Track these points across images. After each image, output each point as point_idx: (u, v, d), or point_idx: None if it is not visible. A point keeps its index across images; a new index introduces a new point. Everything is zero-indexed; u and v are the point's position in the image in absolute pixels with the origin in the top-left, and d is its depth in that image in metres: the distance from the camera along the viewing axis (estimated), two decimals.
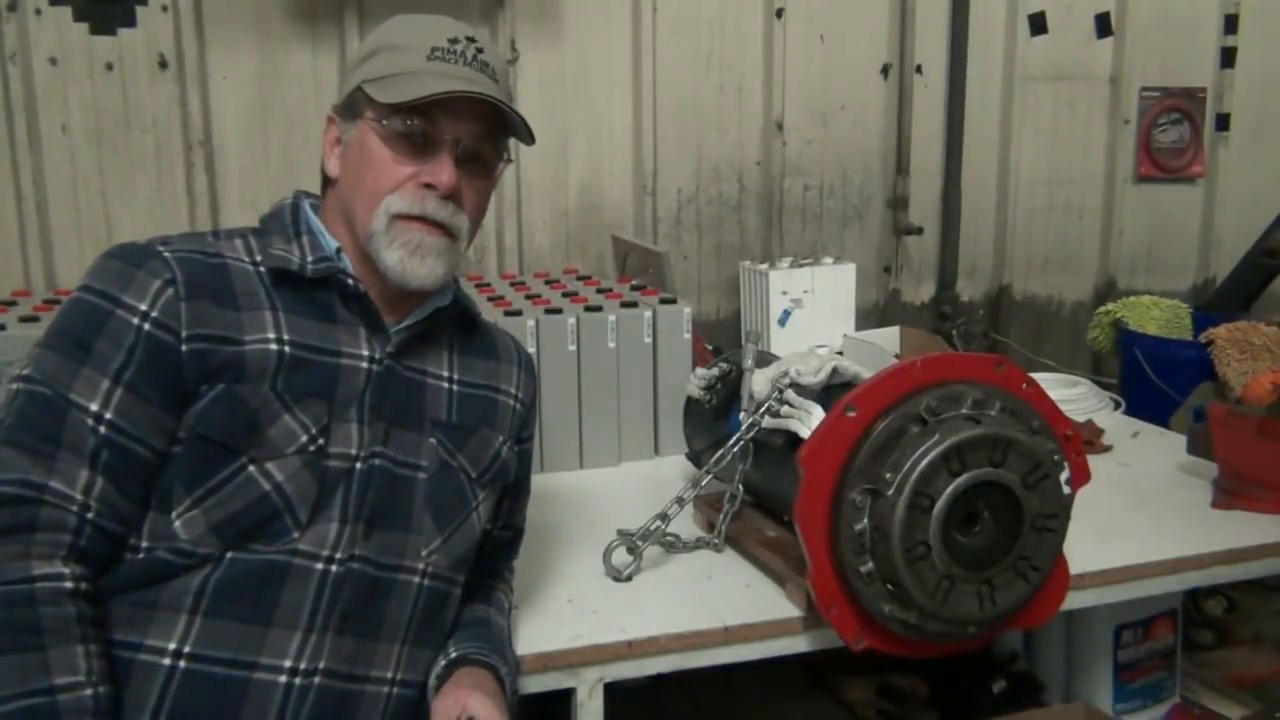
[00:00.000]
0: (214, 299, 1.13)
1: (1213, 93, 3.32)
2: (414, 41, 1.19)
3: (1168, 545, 1.70)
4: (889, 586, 1.37)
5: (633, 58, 2.77)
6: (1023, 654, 2.03)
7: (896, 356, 2.49)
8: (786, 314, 2.73)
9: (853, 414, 1.38)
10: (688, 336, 2.15)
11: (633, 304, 2.12)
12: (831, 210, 3.02)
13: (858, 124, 2.99)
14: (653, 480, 2.00)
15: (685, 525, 1.72)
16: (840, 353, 2.50)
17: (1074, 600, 1.58)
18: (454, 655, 1.23)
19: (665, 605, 1.48)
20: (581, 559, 1.62)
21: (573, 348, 2.05)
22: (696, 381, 1.88)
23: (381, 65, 1.19)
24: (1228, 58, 3.29)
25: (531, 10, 2.65)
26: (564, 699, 1.40)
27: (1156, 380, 2.75)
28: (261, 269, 1.19)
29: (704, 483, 1.64)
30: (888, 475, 1.34)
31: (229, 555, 1.10)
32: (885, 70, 2.99)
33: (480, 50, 1.21)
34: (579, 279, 2.46)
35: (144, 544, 1.09)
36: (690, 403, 1.92)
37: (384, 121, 1.18)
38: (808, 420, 1.54)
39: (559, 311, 2.06)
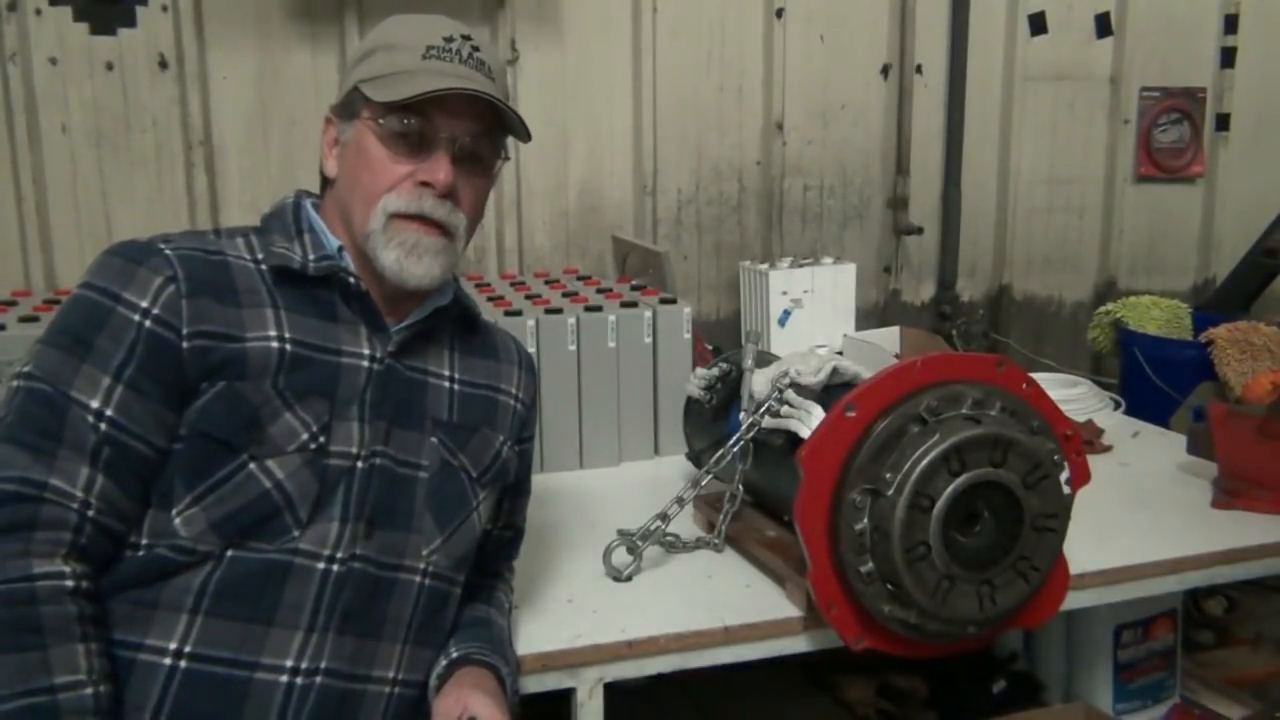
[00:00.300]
0: (215, 296, 1.13)
1: (1213, 93, 3.32)
2: (410, 41, 1.19)
3: (1168, 545, 1.70)
4: (889, 586, 1.37)
5: (633, 58, 2.77)
6: (1023, 654, 2.03)
7: (896, 356, 2.49)
8: (786, 314, 2.73)
9: (853, 414, 1.38)
10: (688, 336, 2.15)
11: (633, 304, 2.12)
12: (831, 210, 3.02)
13: (858, 124, 2.99)
14: (653, 480, 2.00)
15: (685, 525, 1.72)
16: (840, 353, 2.50)
17: (1074, 600, 1.58)
18: (455, 655, 1.23)
19: (665, 605, 1.48)
20: (581, 559, 1.62)
21: (573, 348, 2.05)
22: (696, 381, 1.88)
23: (378, 65, 1.19)
24: (1228, 58, 3.30)
25: (531, 10, 2.65)
26: (564, 699, 1.40)
27: (1156, 380, 2.75)
28: (263, 267, 1.19)
29: (704, 483, 1.64)
30: (888, 475, 1.34)
31: (229, 554, 1.10)
32: (885, 70, 2.99)
33: (476, 49, 1.21)
34: (579, 279, 2.46)
35: (144, 541, 1.09)
36: (690, 403, 1.92)
37: (380, 120, 1.18)
38: (808, 420, 1.54)
39: (559, 311, 2.06)
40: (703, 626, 1.42)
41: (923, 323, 3.10)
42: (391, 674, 1.18)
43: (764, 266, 2.76)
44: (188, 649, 1.07)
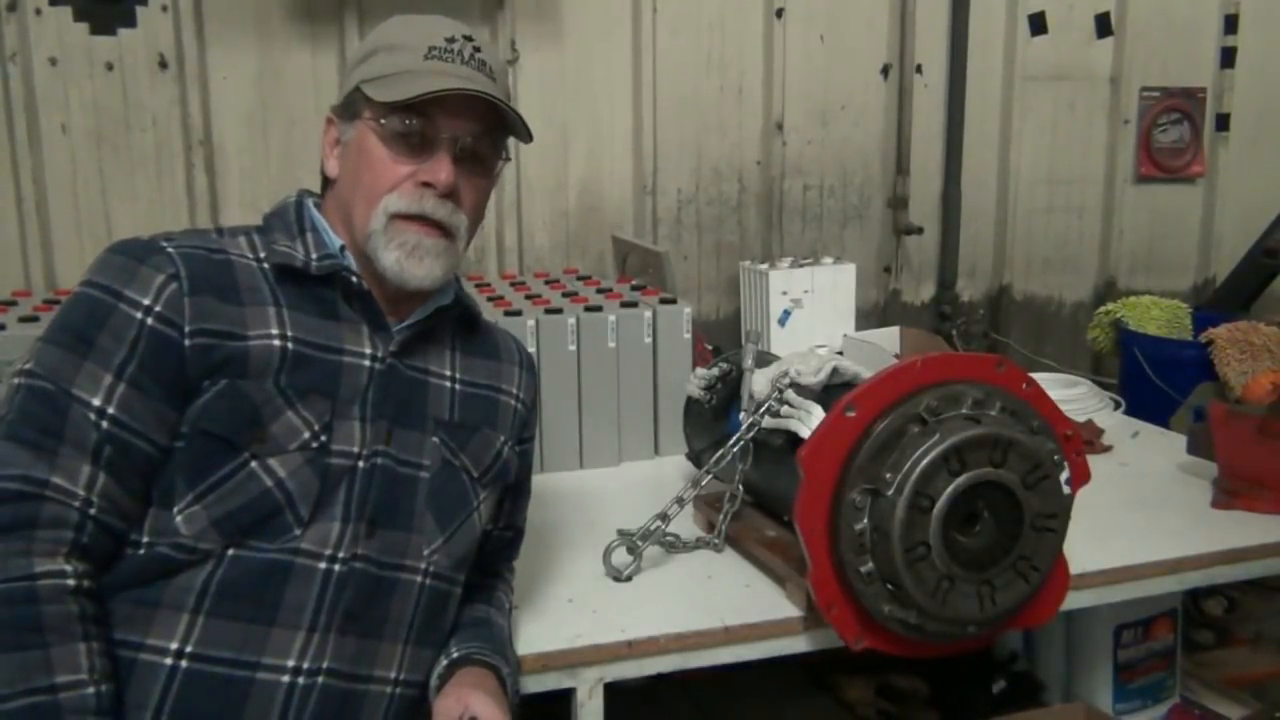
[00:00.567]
0: (217, 294, 1.13)
1: (1213, 93, 3.32)
2: (411, 41, 1.19)
3: (1167, 545, 1.70)
4: (889, 586, 1.37)
5: (633, 58, 2.77)
6: (1023, 654, 2.03)
7: (896, 356, 2.49)
8: (786, 314, 2.73)
9: (853, 414, 1.38)
10: (688, 336, 2.15)
11: (633, 304, 2.12)
12: (831, 210, 3.02)
13: (858, 124, 2.99)
14: (653, 480, 2.01)
15: (685, 525, 1.72)
16: (840, 353, 2.50)
17: (1074, 600, 1.58)
18: (456, 655, 1.24)
19: (665, 605, 1.48)
20: (581, 559, 1.62)
21: (573, 348, 2.05)
22: (696, 381, 1.88)
23: (379, 65, 1.19)
24: (1228, 58, 3.30)
25: (531, 10, 2.66)
26: (564, 699, 1.40)
27: (1156, 380, 2.75)
28: (265, 265, 1.19)
29: (704, 483, 1.64)
30: (888, 475, 1.34)
31: (230, 553, 1.10)
32: (885, 70, 2.99)
33: (478, 49, 1.21)
34: (579, 279, 2.46)
35: (145, 539, 1.09)
36: (690, 403, 1.92)
37: (382, 121, 1.18)
38: (808, 420, 1.54)
39: (559, 311, 2.06)
40: (703, 626, 1.42)
41: (923, 323, 3.10)
42: (393, 674, 1.18)
43: (764, 266, 2.76)
44: (189, 649, 1.07)
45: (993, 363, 1.46)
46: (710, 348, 2.46)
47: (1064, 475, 1.41)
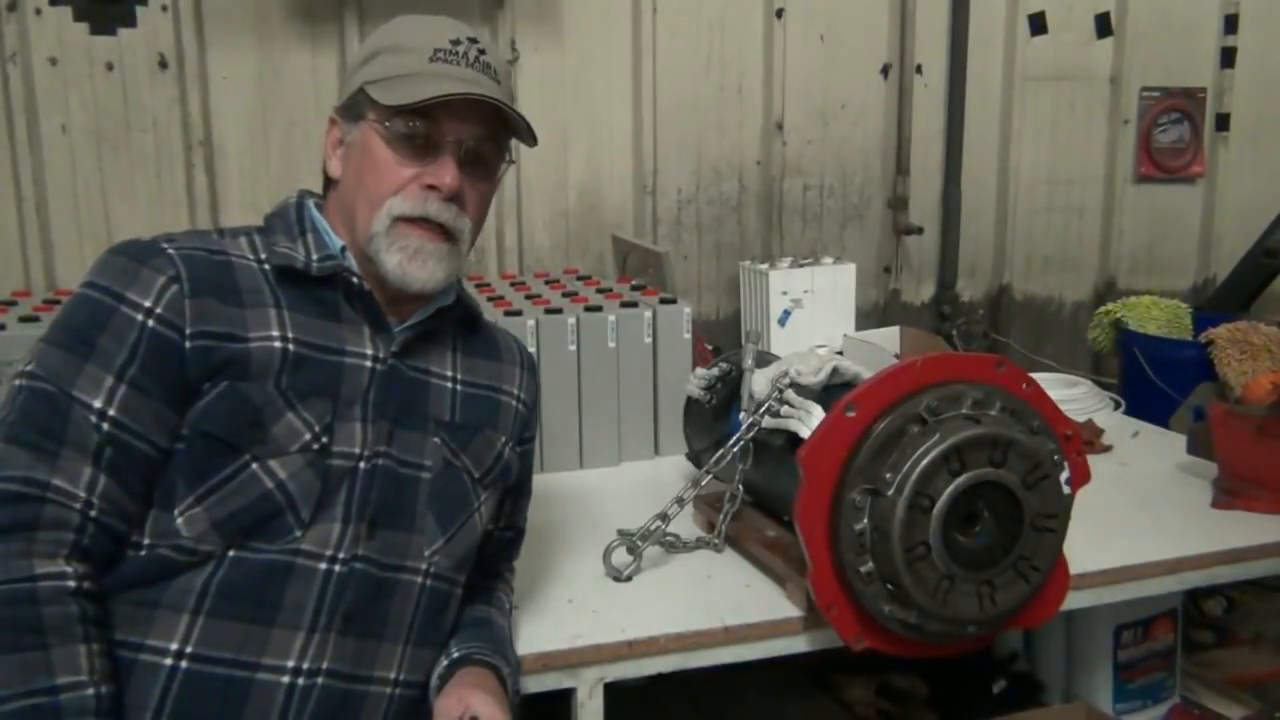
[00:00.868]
0: (218, 296, 1.13)
1: (1213, 93, 3.32)
2: (416, 43, 1.19)
3: (1167, 545, 1.70)
4: (889, 586, 1.37)
5: (633, 58, 2.77)
6: (1023, 654, 2.03)
7: (896, 356, 2.49)
8: (786, 314, 2.73)
9: (853, 414, 1.38)
10: (688, 336, 2.15)
11: (633, 304, 2.12)
12: (831, 210, 3.02)
13: (858, 124, 2.99)
14: (653, 480, 2.01)
15: (685, 525, 1.72)
16: (840, 353, 2.50)
17: (1074, 600, 1.58)
18: (456, 655, 1.24)
19: (665, 605, 1.48)
20: (581, 559, 1.62)
21: (573, 348, 2.05)
22: (696, 381, 1.88)
23: (384, 67, 1.19)
24: (1228, 58, 3.30)
25: (531, 10, 2.66)
26: (564, 699, 1.40)
27: (1156, 380, 2.75)
28: (266, 267, 1.19)
29: (704, 483, 1.64)
30: (888, 475, 1.34)
31: (231, 554, 1.10)
32: (885, 70, 2.99)
33: (482, 51, 1.21)
34: (579, 279, 2.46)
35: (146, 541, 1.09)
36: (690, 403, 1.92)
37: (386, 123, 1.18)
38: (808, 420, 1.54)
39: (559, 311, 2.06)
40: (703, 626, 1.42)
41: (923, 323, 3.10)
42: (393, 674, 1.18)
43: (764, 266, 2.76)
44: (189, 649, 1.07)
45: (993, 363, 1.46)
46: (710, 348, 2.46)
47: (1064, 475, 1.41)
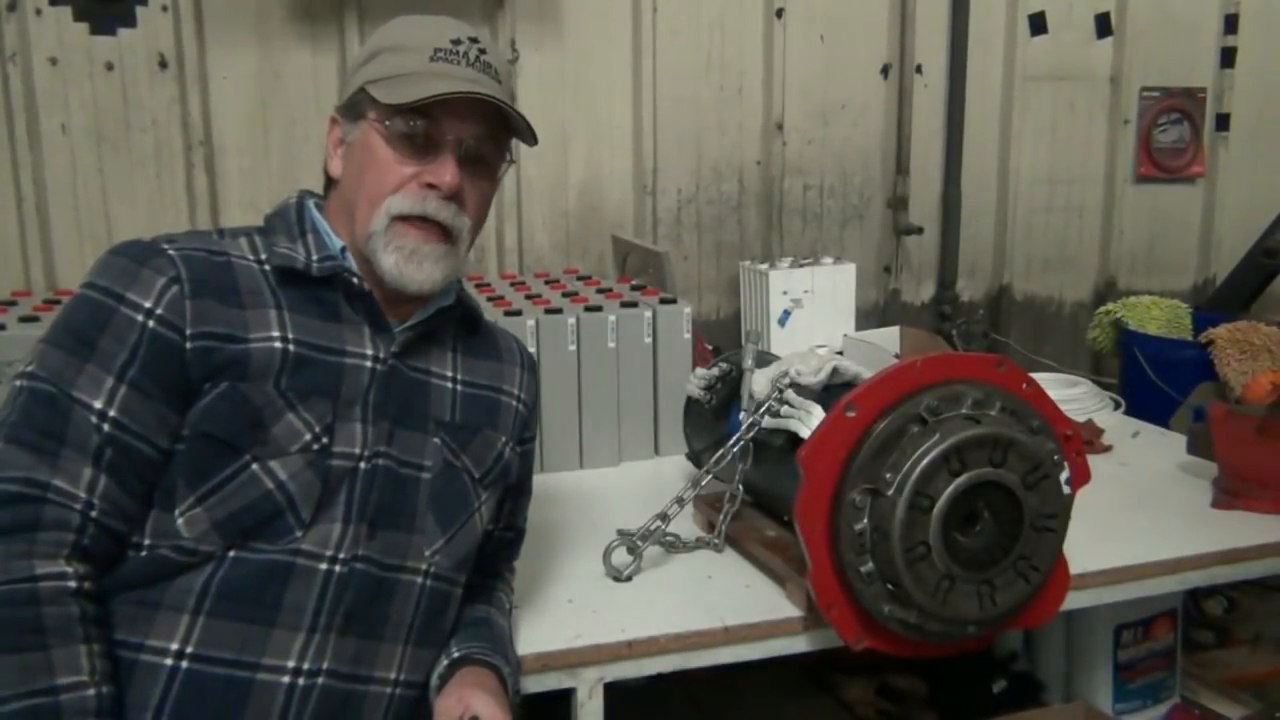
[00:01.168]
0: (218, 297, 1.13)
1: (1213, 93, 3.32)
2: (417, 42, 1.19)
3: (1168, 545, 1.70)
4: (889, 586, 1.37)
5: (633, 58, 2.77)
6: (1023, 654, 2.03)
7: (896, 356, 2.49)
8: (786, 314, 2.73)
9: (853, 414, 1.38)
10: (688, 336, 2.15)
11: (633, 304, 2.12)
12: (831, 210, 3.02)
13: (858, 124, 2.99)
14: (653, 480, 2.01)
15: (685, 525, 1.72)
16: (840, 353, 2.50)
17: (1074, 600, 1.58)
18: (456, 655, 1.24)
19: (665, 605, 1.48)
20: (581, 559, 1.62)
21: (573, 348, 2.05)
22: (696, 381, 1.88)
23: (384, 66, 1.19)
24: (1228, 58, 3.30)
25: (531, 10, 2.66)
26: (564, 699, 1.40)
27: (1156, 380, 2.75)
28: (266, 267, 1.19)
29: (704, 483, 1.64)
30: (888, 475, 1.34)
31: (231, 554, 1.10)
32: (885, 70, 2.99)
33: (483, 51, 1.21)
34: (579, 279, 2.46)
35: (146, 542, 1.09)
36: (690, 403, 1.92)
37: (387, 122, 1.18)
38: (808, 420, 1.54)
39: (559, 311, 2.06)
40: (703, 626, 1.42)
41: (923, 323, 3.10)
42: (393, 675, 1.18)
43: (764, 266, 2.76)
44: (189, 650, 1.07)
45: (993, 363, 1.46)
46: (710, 348, 2.46)
47: (1064, 475, 1.41)
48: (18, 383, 1.08)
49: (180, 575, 1.09)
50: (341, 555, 1.14)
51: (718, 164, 2.89)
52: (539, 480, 1.57)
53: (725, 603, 1.49)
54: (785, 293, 2.73)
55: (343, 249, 1.23)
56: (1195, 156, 3.33)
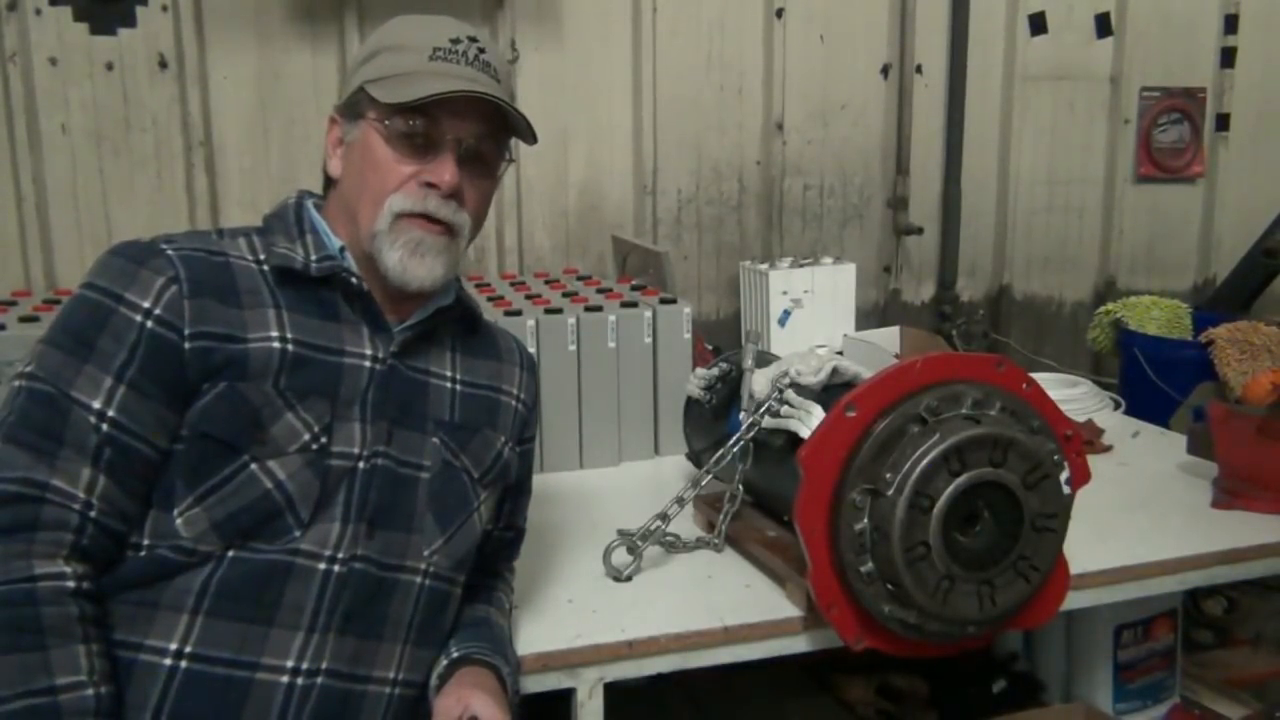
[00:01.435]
0: (217, 297, 1.13)
1: (1213, 93, 3.32)
2: (416, 42, 1.19)
3: (1168, 545, 1.70)
4: (889, 586, 1.37)
5: (633, 58, 2.77)
6: (1023, 654, 2.03)
7: (896, 356, 2.49)
8: (786, 314, 2.73)
9: (853, 414, 1.38)
10: (688, 336, 2.15)
11: (633, 304, 2.12)
12: (831, 210, 3.02)
13: (858, 124, 2.99)
14: (653, 480, 2.01)
15: (685, 525, 1.72)
16: (840, 353, 2.50)
17: (1074, 600, 1.58)
18: (455, 655, 1.24)
19: (665, 605, 1.48)
20: (581, 559, 1.62)
21: (573, 348, 2.05)
22: (696, 381, 1.88)
23: (384, 65, 1.19)
24: (1228, 58, 3.30)
25: (531, 10, 2.66)
26: (564, 699, 1.40)
27: (1156, 380, 2.75)
28: (265, 267, 1.19)
29: (704, 483, 1.64)
30: (888, 475, 1.34)
31: (230, 554, 1.10)
32: (885, 70, 2.99)
33: (482, 50, 1.21)
34: (579, 279, 2.46)
35: (145, 542, 1.09)
36: (690, 403, 1.92)
37: (386, 122, 1.18)
38: (808, 420, 1.54)
39: (559, 311, 2.06)
40: (703, 626, 1.42)
41: (923, 323, 3.10)
42: (392, 674, 1.18)
43: (764, 266, 2.76)
44: (188, 649, 1.07)
45: (993, 363, 1.46)
46: (710, 348, 2.46)
47: (1064, 475, 1.41)
48: (16, 383, 1.08)
49: (179, 575, 1.09)
50: (340, 555, 1.13)
51: (718, 164, 2.89)
52: (539, 480, 1.57)
53: (725, 603, 1.49)
54: (785, 293, 2.73)
55: (341, 249, 1.23)
56: (1195, 156, 3.33)
